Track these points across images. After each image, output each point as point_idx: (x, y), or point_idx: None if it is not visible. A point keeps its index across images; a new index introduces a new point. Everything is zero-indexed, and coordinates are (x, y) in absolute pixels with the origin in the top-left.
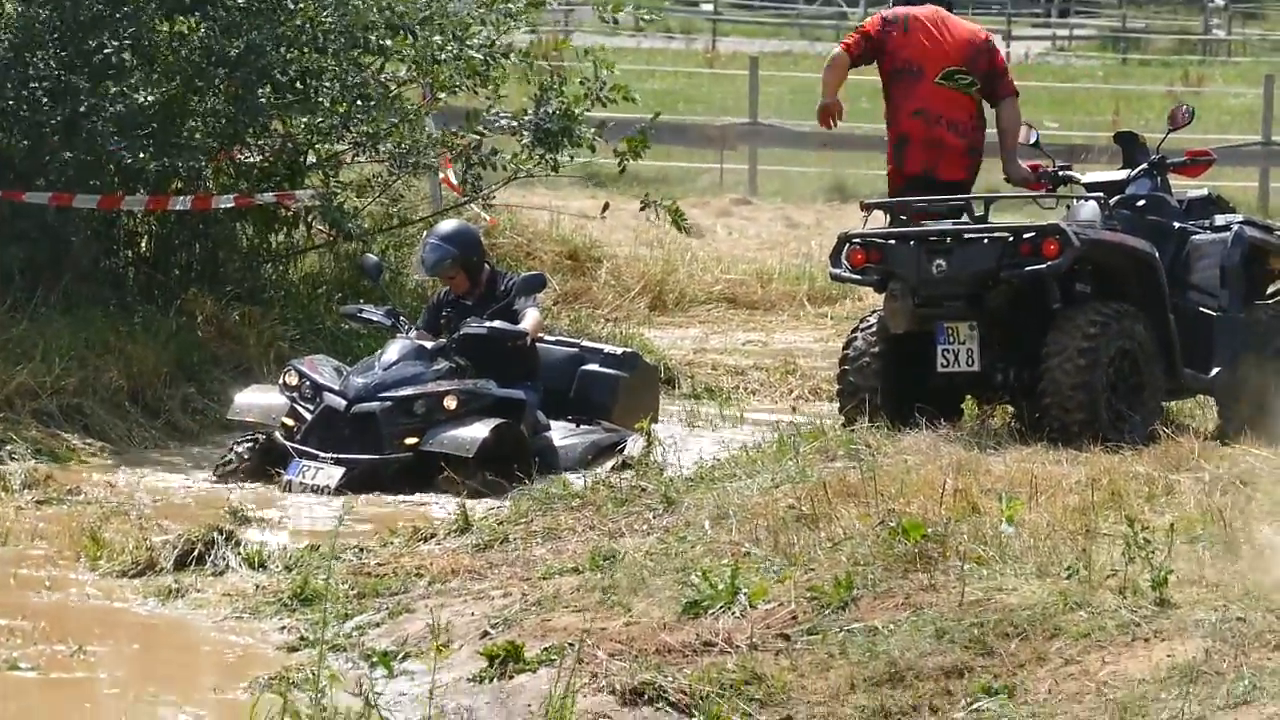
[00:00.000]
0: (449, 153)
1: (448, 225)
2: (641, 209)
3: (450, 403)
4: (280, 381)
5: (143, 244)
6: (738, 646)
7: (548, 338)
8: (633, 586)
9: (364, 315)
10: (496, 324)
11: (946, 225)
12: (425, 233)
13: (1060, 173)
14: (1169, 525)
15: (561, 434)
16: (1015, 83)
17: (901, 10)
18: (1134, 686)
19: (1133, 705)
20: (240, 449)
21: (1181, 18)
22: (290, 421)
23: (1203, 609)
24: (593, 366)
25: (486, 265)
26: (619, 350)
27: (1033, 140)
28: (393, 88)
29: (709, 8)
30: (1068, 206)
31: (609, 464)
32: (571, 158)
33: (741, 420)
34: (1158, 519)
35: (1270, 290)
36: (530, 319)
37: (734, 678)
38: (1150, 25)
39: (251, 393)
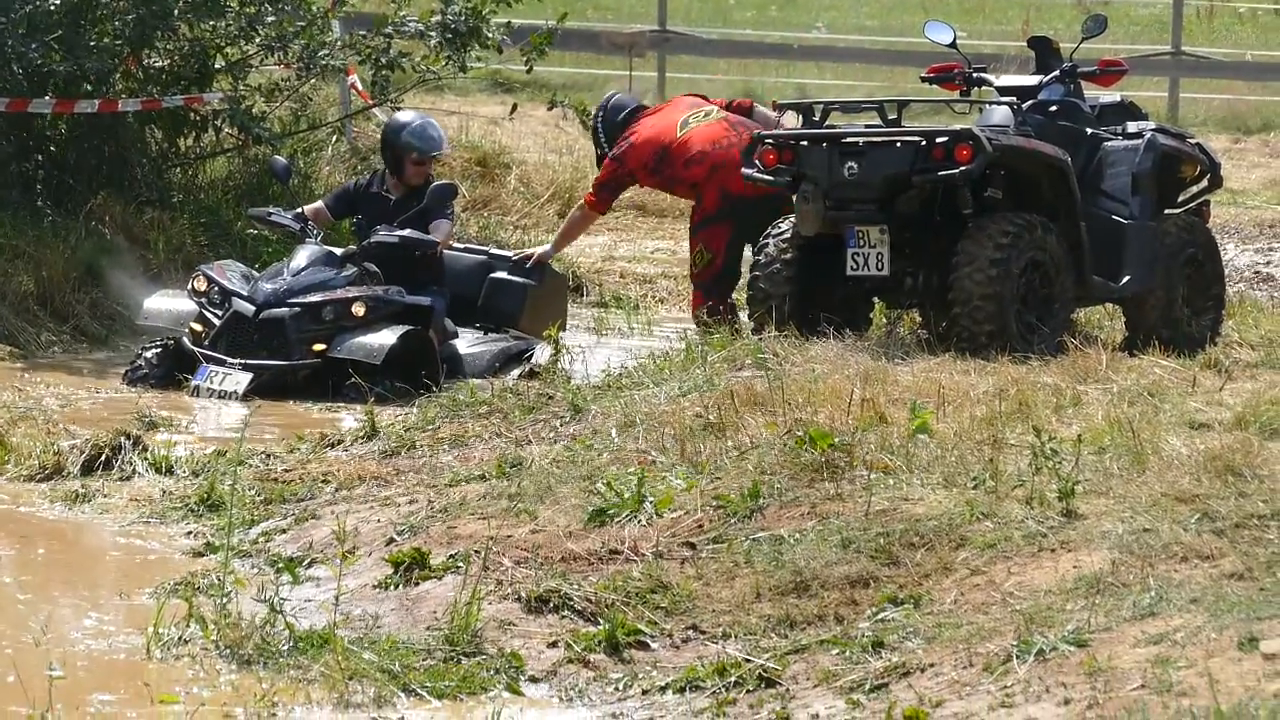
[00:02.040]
0: (356, 56)
1: (412, 112)
2: (550, 109)
3: (358, 309)
4: (189, 287)
5: (52, 148)
6: (643, 555)
7: (456, 245)
8: (539, 494)
9: (272, 219)
10: (407, 232)
11: (859, 127)
12: (406, 121)
13: (974, 75)
14: (1077, 436)
15: (469, 342)
16: None
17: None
18: (1040, 597)
19: (1039, 616)
20: (148, 354)
21: None
22: (198, 327)
23: (1109, 520)
24: (501, 274)
25: None
26: (529, 253)
27: (948, 40)
28: None
29: None
30: (980, 111)
31: (516, 371)
32: (479, 59)
33: (649, 329)
34: (1065, 430)
35: (1181, 199)
36: (442, 229)
37: (640, 586)
38: None
39: (160, 298)
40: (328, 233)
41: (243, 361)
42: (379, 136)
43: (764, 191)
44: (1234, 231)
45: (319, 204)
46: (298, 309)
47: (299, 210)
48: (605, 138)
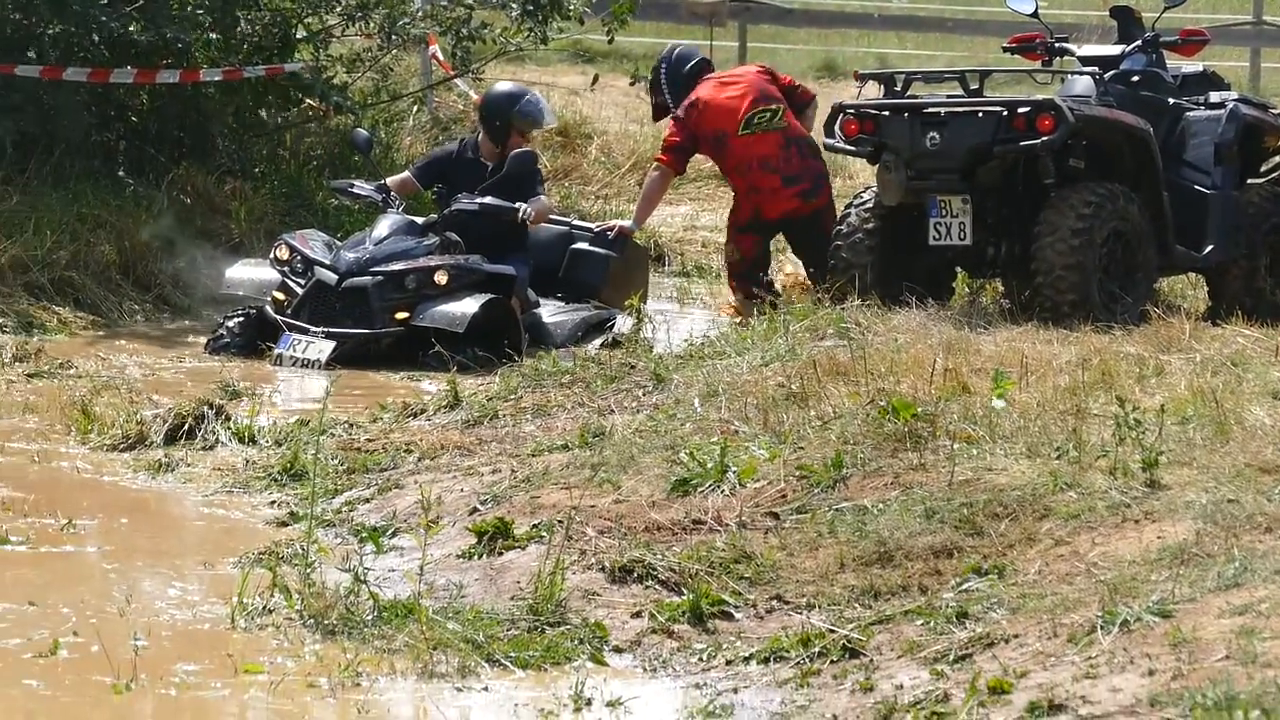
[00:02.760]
0: (437, 26)
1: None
2: (631, 84)
3: (441, 277)
4: (271, 256)
5: (134, 118)
6: (727, 525)
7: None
8: (622, 464)
9: (354, 190)
10: (489, 200)
11: (941, 97)
12: (518, 93)
13: (1056, 45)
14: (1160, 406)
15: (551, 312)
16: None
17: (686, 100)
18: (1124, 568)
19: (1122, 586)
20: (231, 323)
21: None
22: (281, 296)
23: (1193, 490)
24: (582, 245)
25: None
26: (611, 225)
27: (1030, 10)
28: None
29: None
30: (1062, 80)
31: (598, 341)
32: (561, 30)
33: (725, 296)
34: (1149, 400)
35: (1264, 169)
36: (539, 204)
37: (723, 556)
38: None
39: (242, 267)
40: (410, 203)
41: (325, 330)
42: (460, 106)
43: (797, 214)
44: None
45: (405, 174)
46: (380, 277)
47: (381, 181)
48: (669, 88)
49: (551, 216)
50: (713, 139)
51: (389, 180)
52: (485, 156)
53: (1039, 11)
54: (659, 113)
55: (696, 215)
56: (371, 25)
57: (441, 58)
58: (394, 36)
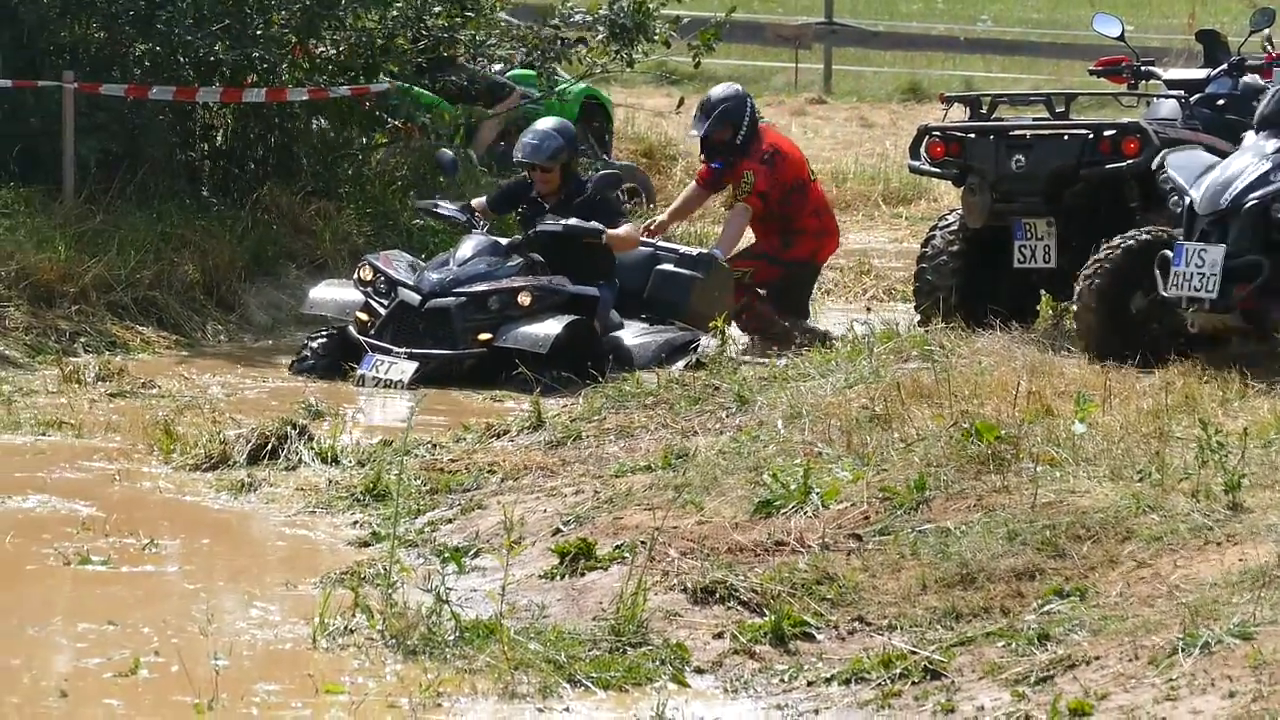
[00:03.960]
0: (523, 47)
1: (554, 119)
2: (677, 111)
3: (525, 299)
4: (355, 276)
5: (218, 137)
6: (809, 546)
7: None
8: (705, 485)
9: (439, 210)
10: (572, 221)
11: (1026, 120)
12: (527, 129)
13: (1142, 68)
14: (1243, 429)
15: (635, 333)
16: None
17: (763, 148)
18: (1205, 590)
19: (1204, 608)
20: (315, 344)
21: None
22: (364, 316)
23: (1275, 514)
24: (668, 267)
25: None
26: (695, 251)
27: (1116, 33)
28: None
29: None
30: (1148, 104)
31: (681, 363)
32: (646, 54)
33: (817, 320)
34: (1232, 423)
35: None
36: (623, 227)
37: (805, 577)
38: None
39: (326, 287)
40: (494, 224)
41: (408, 350)
42: None
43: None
44: None
45: (482, 200)
46: (464, 298)
47: (466, 202)
48: (749, 129)
49: (642, 239)
50: (795, 185)
51: (474, 201)
52: (540, 195)
53: (1125, 35)
54: (718, 150)
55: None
56: (458, 47)
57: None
58: (479, 58)
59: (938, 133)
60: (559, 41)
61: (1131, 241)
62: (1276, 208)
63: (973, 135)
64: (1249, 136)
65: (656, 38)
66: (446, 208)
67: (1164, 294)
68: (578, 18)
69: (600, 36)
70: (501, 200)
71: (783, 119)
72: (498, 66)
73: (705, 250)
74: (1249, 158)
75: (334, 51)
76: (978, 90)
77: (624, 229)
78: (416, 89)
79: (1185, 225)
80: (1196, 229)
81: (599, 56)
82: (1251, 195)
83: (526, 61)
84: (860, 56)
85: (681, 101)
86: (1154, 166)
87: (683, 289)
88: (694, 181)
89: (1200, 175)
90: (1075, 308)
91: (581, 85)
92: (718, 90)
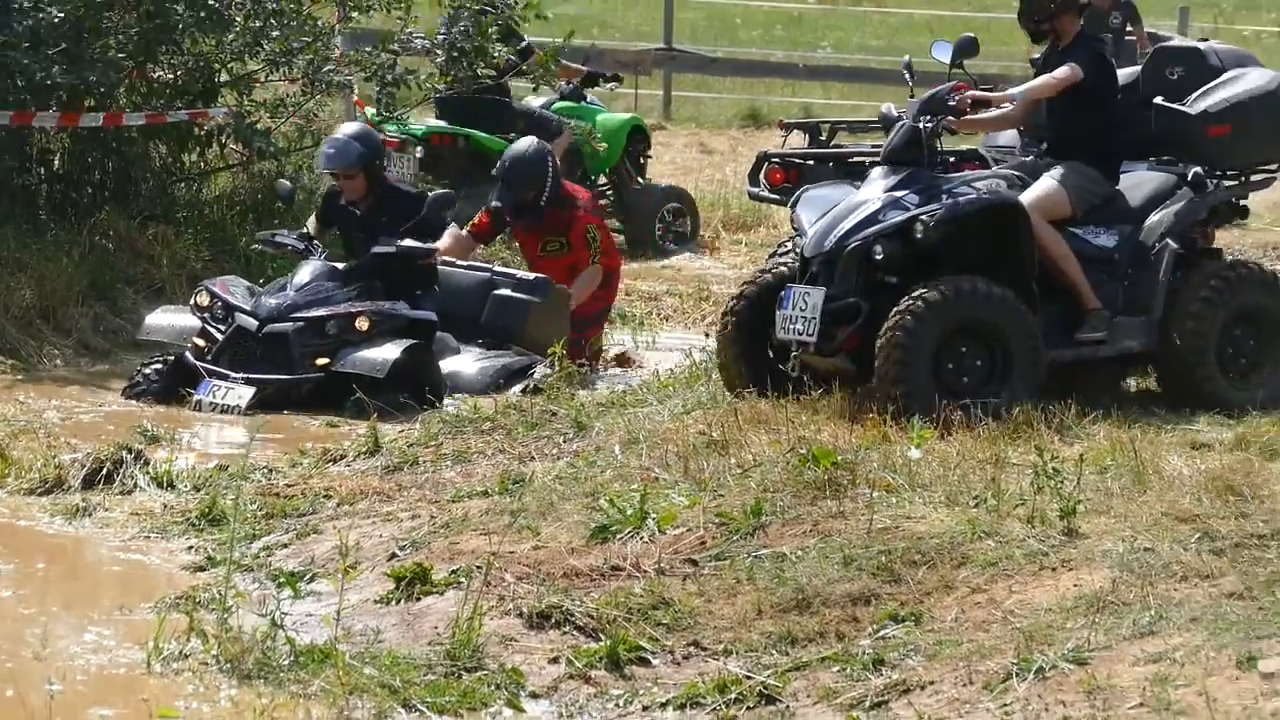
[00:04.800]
0: (362, 73)
1: (355, 125)
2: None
3: (362, 323)
4: (192, 302)
5: (55, 161)
6: (645, 571)
7: (460, 263)
8: (541, 510)
9: (277, 240)
10: (406, 243)
11: (865, 147)
12: (326, 139)
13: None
14: (1079, 456)
15: (472, 358)
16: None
17: (584, 200)
18: (1040, 615)
19: (1039, 634)
20: (149, 369)
21: None
22: (201, 342)
23: (1110, 539)
24: (504, 291)
25: (383, 176)
26: (531, 276)
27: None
28: (305, 4)
29: None
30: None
31: (518, 387)
32: (484, 78)
33: (654, 346)
34: (1067, 449)
35: None
36: (445, 237)
37: (641, 602)
38: None
39: (162, 313)
40: (331, 250)
41: (246, 375)
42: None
43: None
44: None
45: (312, 218)
46: (301, 323)
47: (304, 230)
48: (553, 183)
49: (473, 263)
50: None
51: (309, 225)
52: (353, 203)
53: (964, 62)
54: (525, 212)
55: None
56: (295, 70)
57: (368, 112)
58: (317, 82)
59: (777, 159)
60: (395, 66)
61: (768, 277)
62: (877, 249)
63: (811, 162)
64: (874, 171)
65: (494, 61)
66: (285, 237)
67: (776, 336)
68: (417, 43)
69: (439, 60)
70: (323, 217)
71: None
72: (539, 101)
73: (541, 275)
74: (865, 195)
75: (171, 76)
76: (817, 117)
77: (447, 239)
78: (481, 135)
79: (799, 267)
80: (808, 270)
81: (438, 82)
82: (856, 236)
83: (572, 93)
84: (699, 82)
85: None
86: (789, 205)
87: (519, 314)
88: (469, 228)
89: (823, 214)
90: (716, 341)
91: (629, 115)
92: (512, 151)
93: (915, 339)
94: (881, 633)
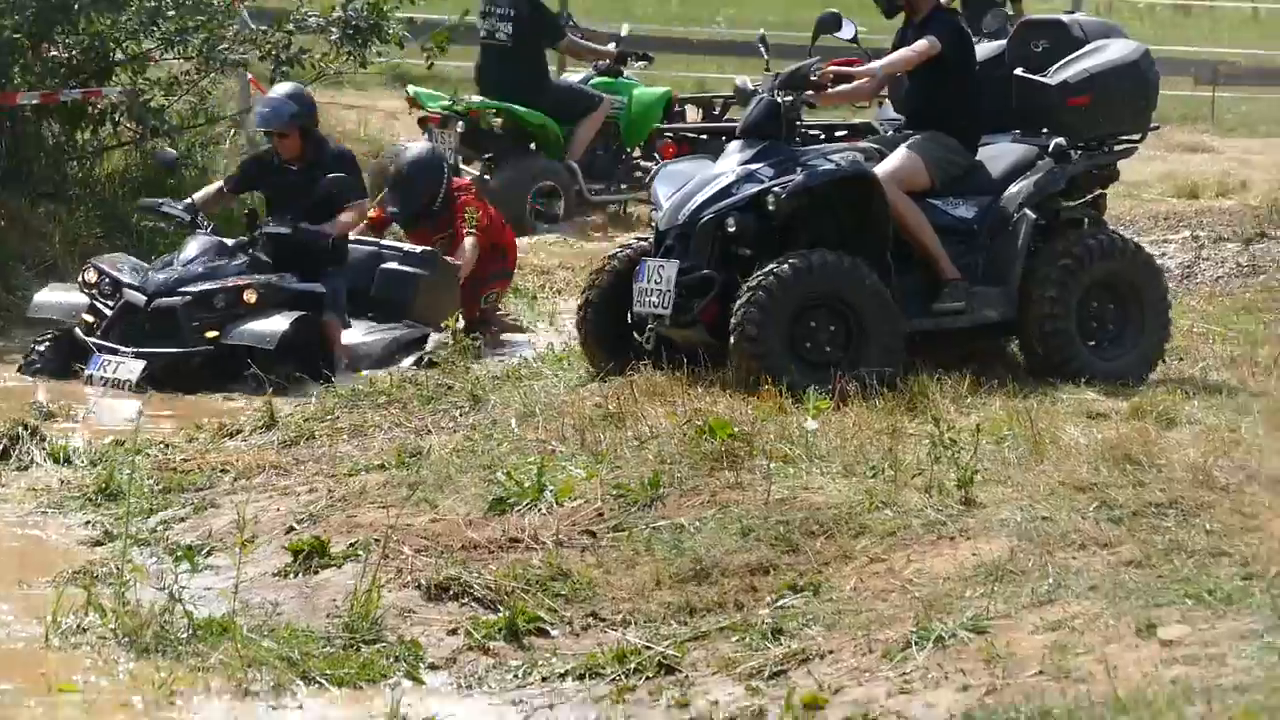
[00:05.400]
0: (256, 51)
1: (289, 85)
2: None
3: (250, 296)
4: (80, 279)
5: None
6: (544, 543)
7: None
8: (439, 483)
9: (162, 209)
10: (302, 225)
11: None
12: (263, 98)
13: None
14: (975, 426)
15: (363, 331)
16: None
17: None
18: (939, 584)
19: (938, 603)
20: (41, 346)
21: None
22: (90, 318)
23: (1008, 509)
24: (392, 265)
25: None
26: (418, 249)
27: (849, 36)
28: None
29: None
30: (880, 105)
31: (410, 359)
32: (380, 55)
33: (551, 320)
34: (964, 419)
35: None
36: (353, 211)
37: (539, 574)
38: None
39: (51, 290)
40: (218, 225)
41: (135, 350)
42: None
43: None
44: (1129, 225)
45: (214, 186)
46: (189, 297)
47: (189, 200)
48: (445, 191)
49: (362, 237)
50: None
51: (196, 196)
52: (288, 161)
53: (858, 37)
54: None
55: None
56: (190, 49)
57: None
58: (212, 61)
59: (670, 134)
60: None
61: (629, 251)
62: (730, 221)
63: (705, 136)
64: (731, 145)
65: (390, 39)
66: (170, 206)
67: (633, 309)
68: (311, 21)
69: (334, 37)
70: (242, 179)
71: None
72: (578, 76)
73: (429, 248)
74: (721, 168)
75: (66, 55)
76: (710, 92)
77: (348, 216)
78: (520, 109)
79: (654, 240)
80: (663, 244)
81: (332, 60)
82: (709, 209)
83: (608, 69)
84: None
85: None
86: (647, 180)
87: (408, 286)
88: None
89: (679, 188)
90: (576, 316)
91: (664, 89)
92: (408, 156)
93: (768, 312)
94: (780, 603)
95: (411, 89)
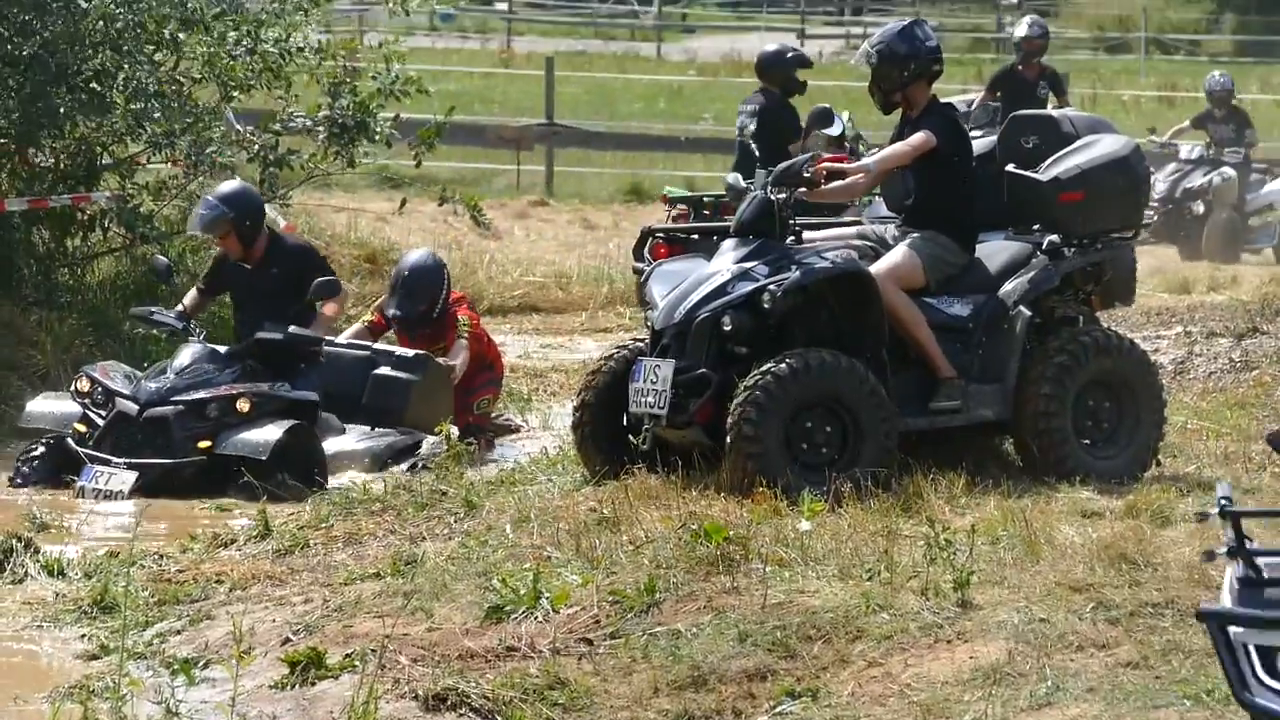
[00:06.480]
0: (245, 153)
1: (228, 186)
2: (440, 204)
3: (243, 405)
4: (72, 388)
5: None
6: (540, 651)
7: (340, 340)
8: (434, 591)
9: (155, 317)
10: (293, 330)
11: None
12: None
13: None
14: (970, 526)
15: (355, 438)
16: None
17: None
18: (937, 688)
19: (935, 707)
20: (32, 457)
21: (974, 15)
22: (83, 428)
23: (1005, 610)
24: (385, 370)
25: (267, 231)
26: (410, 353)
27: (836, 132)
28: (186, 85)
29: (504, 7)
30: (869, 203)
31: (404, 465)
32: (367, 154)
33: (544, 424)
34: (959, 520)
35: None
36: (326, 316)
37: (537, 682)
38: (943, 24)
39: (43, 400)
40: (209, 331)
41: (128, 461)
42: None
43: None
44: (1121, 321)
45: (192, 291)
46: (181, 406)
47: (181, 308)
48: (445, 298)
49: (354, 341)
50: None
51: (185, 301)
52: (233, 257)
53: (845, 133)
54: (418, 324)
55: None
56: (177, 152)
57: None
58: (200, 163)
59: (662, 234)
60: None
61: (625, 352)
62: (726, 320)
63: (696, 236)
64: (725, 244)
65: (378, 138)
66: (162, 315)
67: (629, 410)
68: (298, 121)
69: (321, 138)
70: (213, 279)
71: (505, 221)
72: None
73: (421, 351)
74: (715, 267)
75: (53, 160)
76: (700, 190)
77: (330, 310)
78: None
79: (650, 340)
80: (659, 343)
81: (320, 161)
82: (705, 308)
83: None
84: (582, 157)
85: (403, 203)
86: (641, 281)
87: (402, 393)
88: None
89: (674, 287)
90: (572, 418)
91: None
92: (411, 260)
93: (764, 412)
94: (778, 708)
95: (667, 189)
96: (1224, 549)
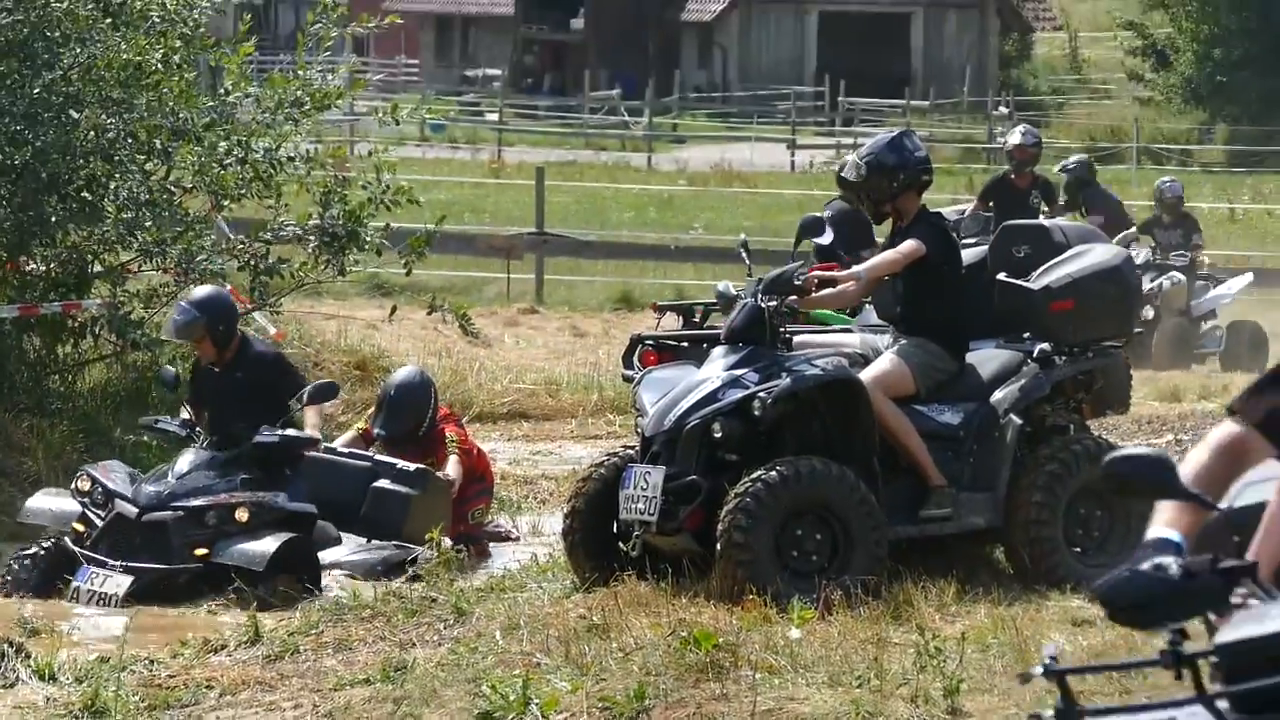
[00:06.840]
0: (235, 261)
1: (201, 291)
2: (429, 313)
3: (242, 515)
4: (73, 486)
5: None
6: None
7: (341, 449)
8: (424, 698)
9: (160, 426)
10: (290, 433)
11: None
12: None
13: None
14: (960, 634)
15: (350, 549)
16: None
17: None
18: None
19: None
20: (24, 559)
21: (966, 125)
22: (80, 527)
23: (995, 718)
24: (384, 483)
25: (240, 334)
26: (412, 467)
27: (827, 241)
28: (177, 194)
29: (494, 117)
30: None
31: (400, 579)
32: (357, 262)
33: (534, 531)
34: (949, 627)
35: None
36: (310, 420)
37: None
38: (934, 134)
39: (43, 496)
40: (211, 438)
41: (124, 564)
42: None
43: None
44: (1112, 429)
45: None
46: (180, 512)
47: (186, 416)
48: (432, 416)
49: (354, 450)
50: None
51: (185, 408)
52: (205, 360)
53: (834, 242)
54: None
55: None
56: (168, 260)
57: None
58: (190, 271)
59: (651, 342)
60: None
61: (616, 459)
62: (716, 427)
63: (685, 344)
64: (715, 351)
65: (368, 247)
66: (167, 423)
67: (619, 517)
68: (289, 230)
69: (312, 246)
70: (193, 387)
71: (495, 329)
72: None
73: (421, 465)
74: (706, 374)
75: (44, 268)
76: (690, 298)
77: (314, 417)
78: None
79: (640, 447)
80: (649, 450)
81: (310, 270)
82: (695, 415)
83: None
84: (572, 266)
85: (393, 310)
86: (633, 386)
87: (400, 507)
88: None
89: (664, 394)
90: (563, 524)
91: None
92: (398, 379)
93: (755, 520)
94: None
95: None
96: (1050, 712)
